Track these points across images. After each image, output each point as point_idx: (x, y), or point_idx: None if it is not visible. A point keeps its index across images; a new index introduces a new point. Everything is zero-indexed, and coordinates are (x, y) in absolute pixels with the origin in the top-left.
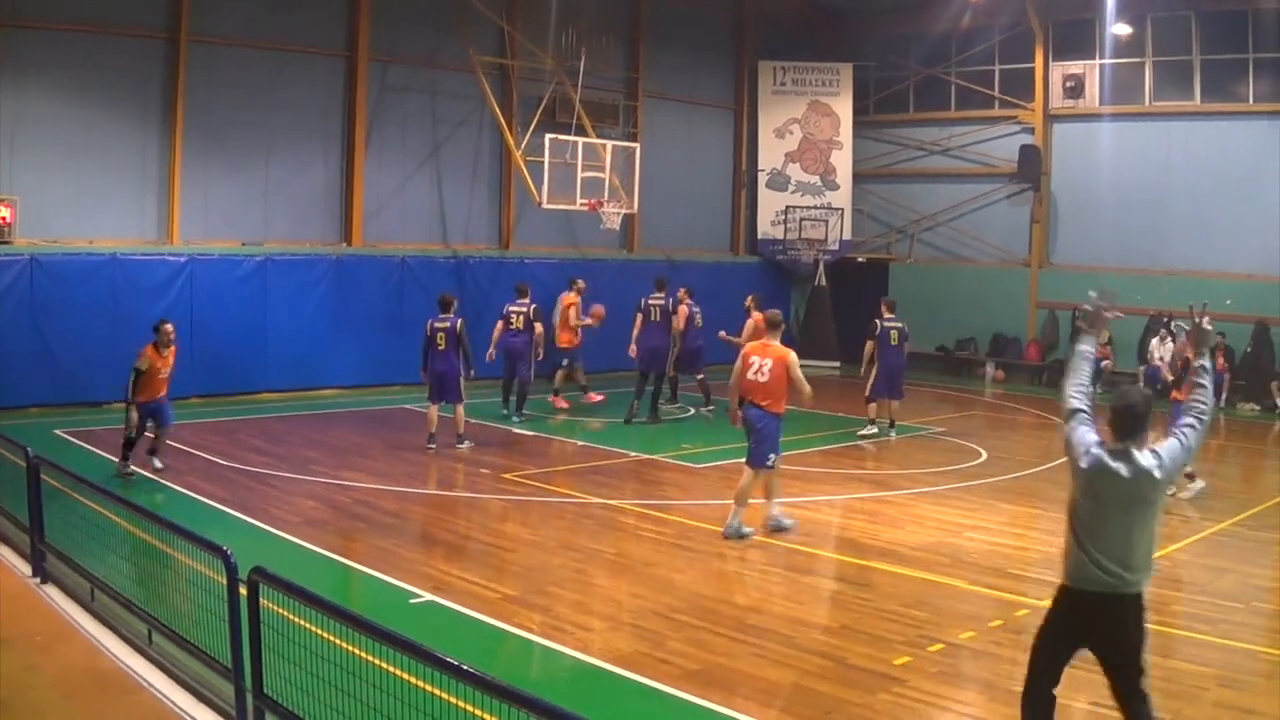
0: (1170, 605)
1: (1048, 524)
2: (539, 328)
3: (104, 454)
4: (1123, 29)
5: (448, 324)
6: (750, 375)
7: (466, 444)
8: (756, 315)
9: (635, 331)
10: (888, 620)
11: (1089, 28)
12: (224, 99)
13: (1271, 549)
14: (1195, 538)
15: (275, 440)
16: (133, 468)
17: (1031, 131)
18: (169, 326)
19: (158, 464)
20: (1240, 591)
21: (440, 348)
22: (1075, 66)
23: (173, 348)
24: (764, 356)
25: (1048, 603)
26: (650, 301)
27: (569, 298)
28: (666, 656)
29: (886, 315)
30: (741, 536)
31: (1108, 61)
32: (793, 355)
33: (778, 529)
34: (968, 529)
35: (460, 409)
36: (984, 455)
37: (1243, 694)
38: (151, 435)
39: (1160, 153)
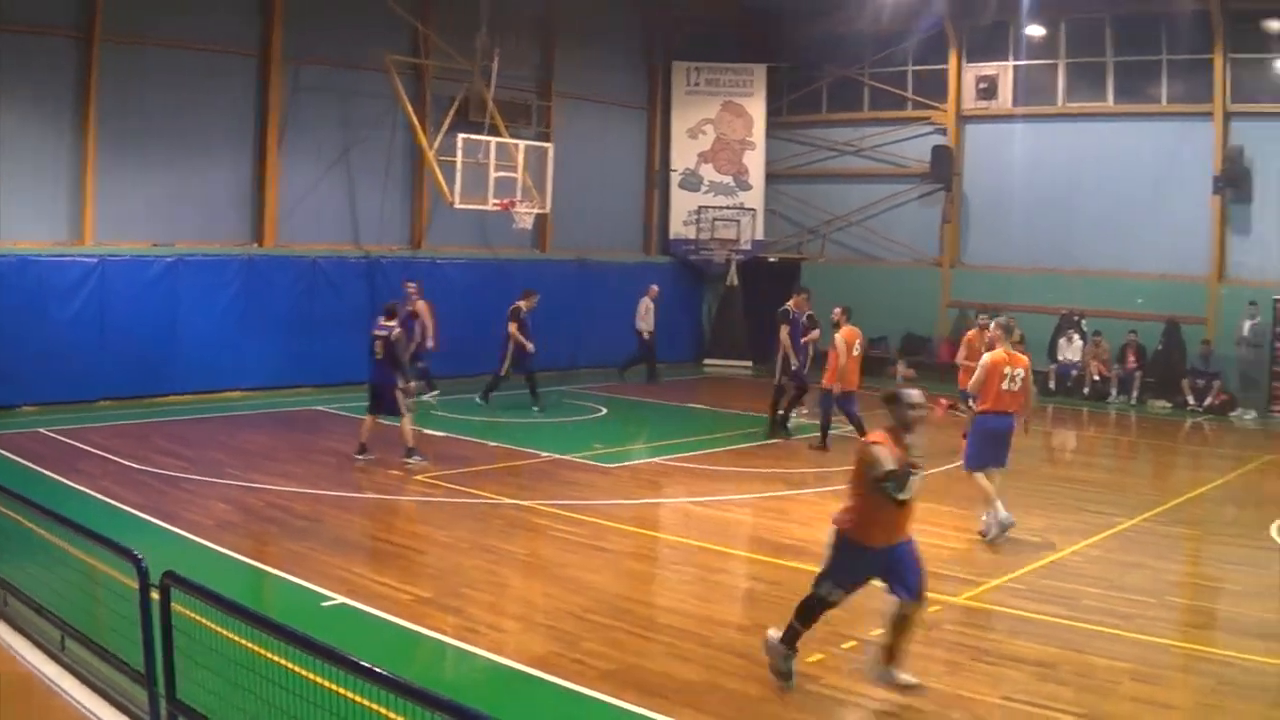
0: (1083, 600)
1: (957, 521)
2: (512, 328)
3: (13, 457)
4: (1037, 31)
5: (386, 332)
6: (1005, 386)
7: (415, 460)
8: (847, 330)
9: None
10: None
11: (1003, 30)
12: (137, 99)
13: (1182, 544)
14: (1107, 533)
15: (186, 443)
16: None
17: (944, 132)
18: (916, 394)
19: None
20: (1152, 586)
21: (377, 357)
22: (989, 68)
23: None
24: (1015, 366)
25: (960, 599)
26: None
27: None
28: (581, 657)
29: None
30: (1007, 527)
31: (1021, 63)
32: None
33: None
34: None
35: (404, 423)
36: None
37: (1156, 688)
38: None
39: (1073, 153)
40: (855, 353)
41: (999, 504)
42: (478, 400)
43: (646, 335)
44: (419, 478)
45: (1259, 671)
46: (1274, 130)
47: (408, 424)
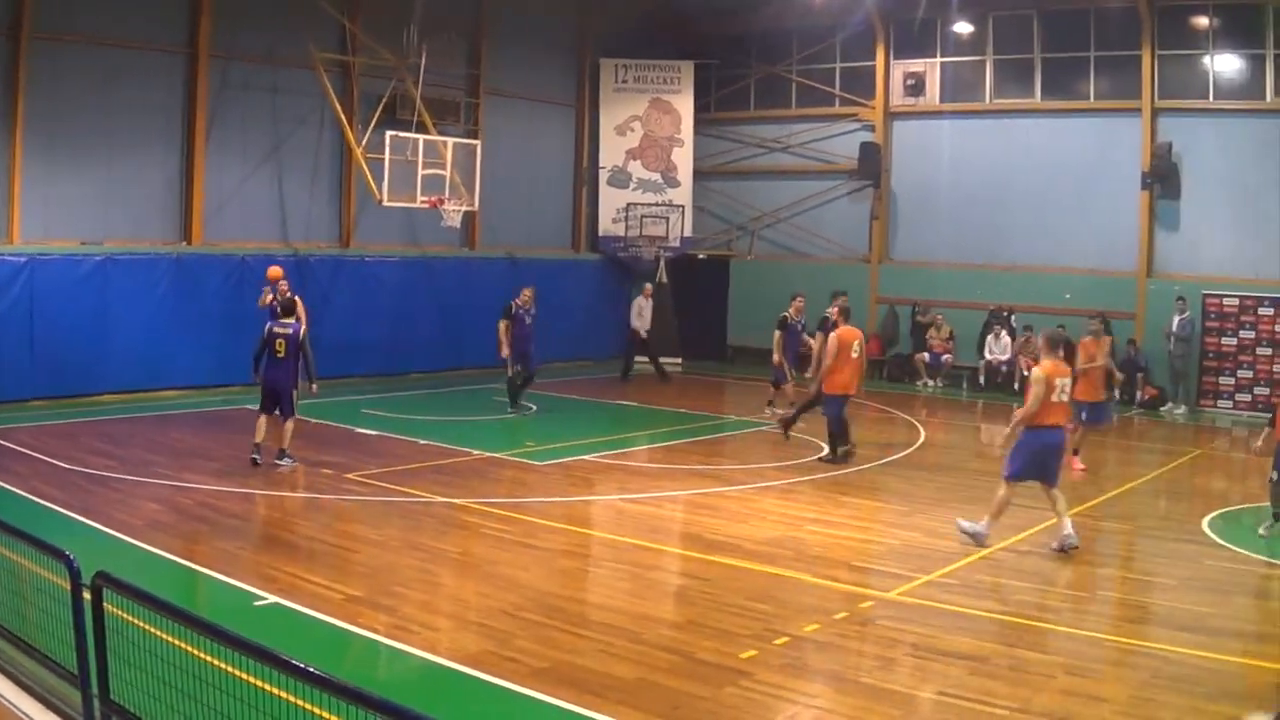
0: (1016, 595)
1: (891, 516)
2: (500, 325)
3: None
4: (964, 27)
5: (289, 330)
6: (1056, 397)
7: (288, 462)
8: (844, 330)
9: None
10: (733, 614)
11: (931, 26)
12: (65, 96)
13: (1114, 538)
14: (1039, 528)
15: (117, 442)
16: None
17: (872, 129)
18: None
19: None
20: (1084, 580)
21: (278, 355)
22: (916, 64)
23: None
24: (1064, 376)
25: (892, 595)
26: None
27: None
28: (514, 655)
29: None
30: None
31: (949, 60)
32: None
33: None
34: (810, 522)
35: (290, 424)
36: (825, 449)
37: (1089, 681)
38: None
39: (1001, 150)
40: (854, 354)
41: (1066, 523)
42: (509, 411)
43: (644, 334)
44: (350, 476)
45: (1192, 665)
46: (1202, 126)
47: (292, 425)
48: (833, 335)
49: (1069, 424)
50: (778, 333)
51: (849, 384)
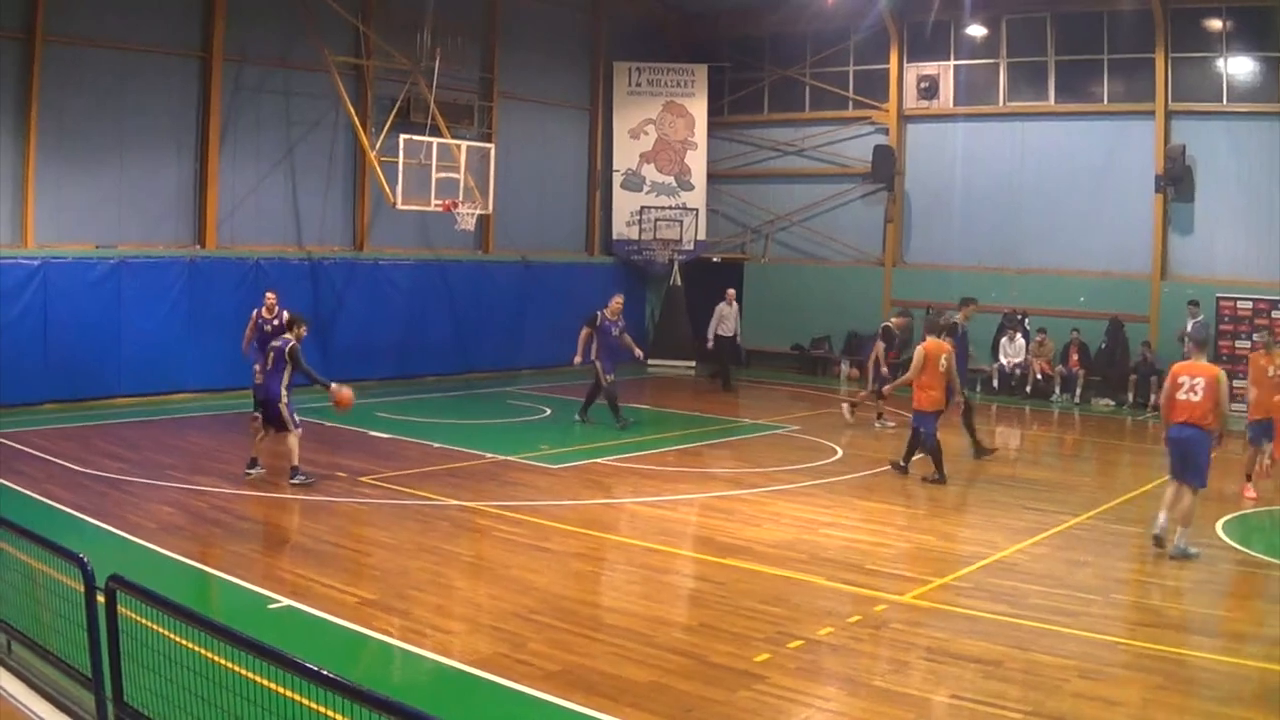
0: (1029, 598)
1: (904, 520)
2: (582, 333)
3: None
4: (978, 30)
5: (279, 344)
6: (1181, 395)
7: (300, 479)
8: (929, 343)
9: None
10: (747, 618)
11: (944, 29)
12: (78, 99)
13: (1128, 542)
14: (1053, 531)
15: (130, 446)
16: None
17: (886, 132)
18: None
19: None
20: (1099, 584)
21: (269, 369)
22: (930, 67)
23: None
24: (1194, 375)
25: (906, 598)
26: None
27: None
28: (527, 658)
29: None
30: (1188, 556)
31: (962, 62)
32: (1223, 374)
33: (1183, 556)
34: (824, 525)
35: (291, 439)
36: (839, 453)
37: (1103, 685)
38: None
39: (1014, 152)
40: (940, 368)
41: (1161, 515)
42: (616, 424)
43: (710, 341)
44: (364, 479)
45: (1205, 668)
46: (1215, 129)
47: (295, 440)
48: (919, 347)
49: (1207, 425)
50: (881, 344)
51: (928, 398)
